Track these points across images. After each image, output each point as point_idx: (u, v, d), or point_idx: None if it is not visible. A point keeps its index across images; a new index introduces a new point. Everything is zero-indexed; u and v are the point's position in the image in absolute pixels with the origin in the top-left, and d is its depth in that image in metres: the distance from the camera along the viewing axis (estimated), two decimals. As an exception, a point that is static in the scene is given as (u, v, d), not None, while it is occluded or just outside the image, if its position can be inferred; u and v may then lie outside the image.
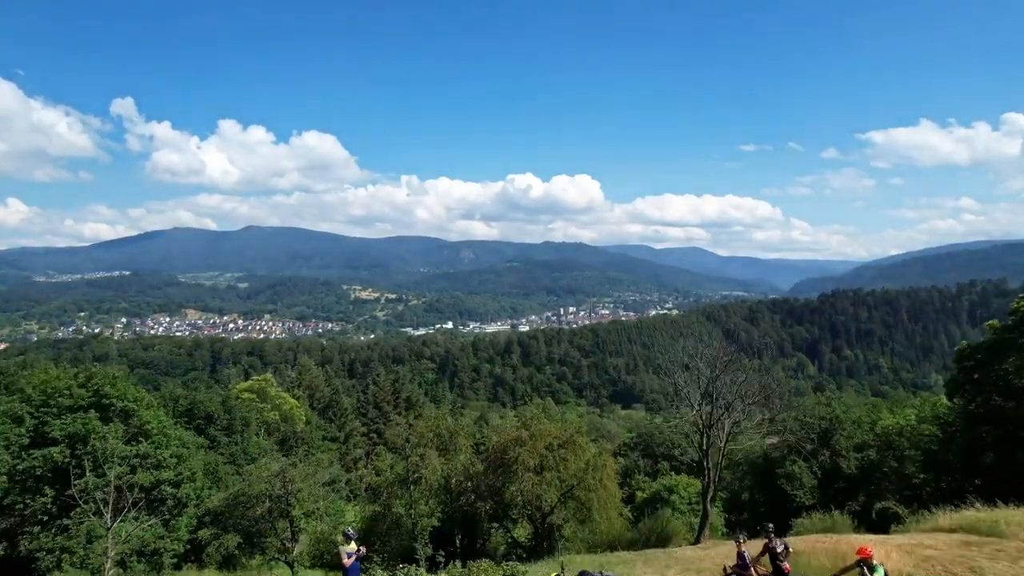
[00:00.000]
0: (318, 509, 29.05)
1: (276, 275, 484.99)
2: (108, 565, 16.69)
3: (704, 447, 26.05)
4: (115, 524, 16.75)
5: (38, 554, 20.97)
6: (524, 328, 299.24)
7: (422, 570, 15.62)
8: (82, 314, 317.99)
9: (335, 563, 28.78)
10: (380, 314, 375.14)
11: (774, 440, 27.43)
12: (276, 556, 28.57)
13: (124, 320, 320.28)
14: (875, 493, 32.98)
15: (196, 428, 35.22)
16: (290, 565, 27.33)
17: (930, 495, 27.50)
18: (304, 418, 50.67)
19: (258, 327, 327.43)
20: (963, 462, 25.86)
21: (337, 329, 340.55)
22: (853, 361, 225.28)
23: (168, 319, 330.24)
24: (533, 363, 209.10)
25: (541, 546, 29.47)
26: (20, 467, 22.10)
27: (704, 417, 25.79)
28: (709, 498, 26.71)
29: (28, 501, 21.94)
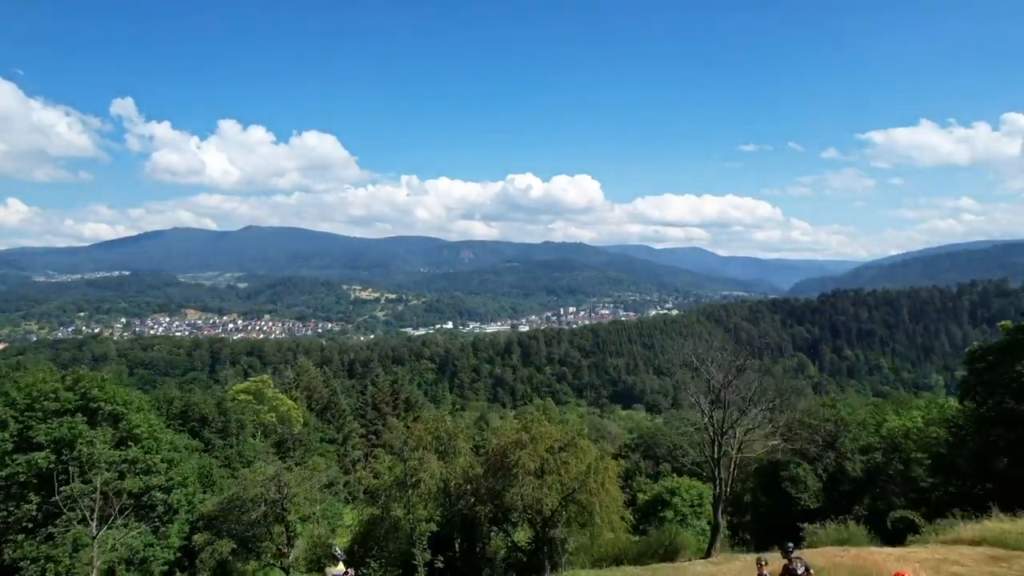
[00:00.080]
0: (314, 514, 28.57)
1: (276, 275, 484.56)
2: (94, 575, 16.07)
3: (716, 456, 24.97)
4: (101, 532, 16.13)
5: (22, 563, 20.27)
6: (524, 328, 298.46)
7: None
8: (82, 314, 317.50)
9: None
10: (380, 314, 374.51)
11: (776, 442, 26.38)
12: (271, 562, 28.04)
13: (124, 320, 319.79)
14: (881, 496, 32.45)
15: (190, 431, 34.57)
16: (286, 571, 26.78)
17: (939, 499, 26.93)
18: (301, 420, 50.04)
19: (258, 327, 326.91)
20: (974, 466, 25.22)
21: (337, 329, 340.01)
22: (854, 361, 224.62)
23: (168, 319, 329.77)
24: (533, 363, 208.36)
25: (541, 550, 28.92)
26: (3, 473, 21.42)
27: (716, 425, 24.67)
28: (720, 510, 25.67)
29: (12, 508, 21.21)
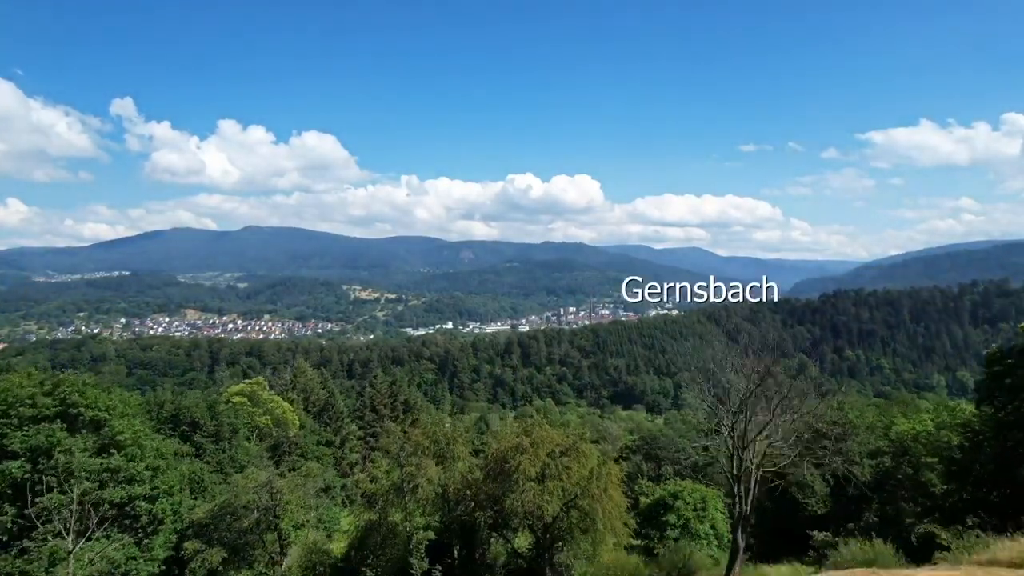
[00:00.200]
0: (308, 522, 27.78)
1: (276, 275, 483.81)
2: (70, 591, 15.26)
3: (736, 472, 23.05)
4: (77, 547, 15.29)
5: (-5, 579, 19.29)
6: (524, 328, 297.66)
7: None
8: (81, 314, 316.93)
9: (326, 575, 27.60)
10: (380, 314, 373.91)
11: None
12: (264, 571, 27.25)
13: (123, 320, 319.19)
14: (890, 501, 31.67)
15: (181, 435, 33.71)
16: (278, 581, 25.98)
17: (953, 505, 26.11)
18: (297, 422, 49.24)
19: (257, 327, 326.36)
20: (992, 473, 24.35)
21: (337, 329, 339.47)
22: (855, 362, 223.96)
23: (167, 319, 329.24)
24: (533, 364, 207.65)
25: (543, 557, 28.23)
26: (-26, 485, 20.28)
27: (737, 439, 22.71)
28: (741, 530, 23.62)
29: (-17, 522, 20.11)
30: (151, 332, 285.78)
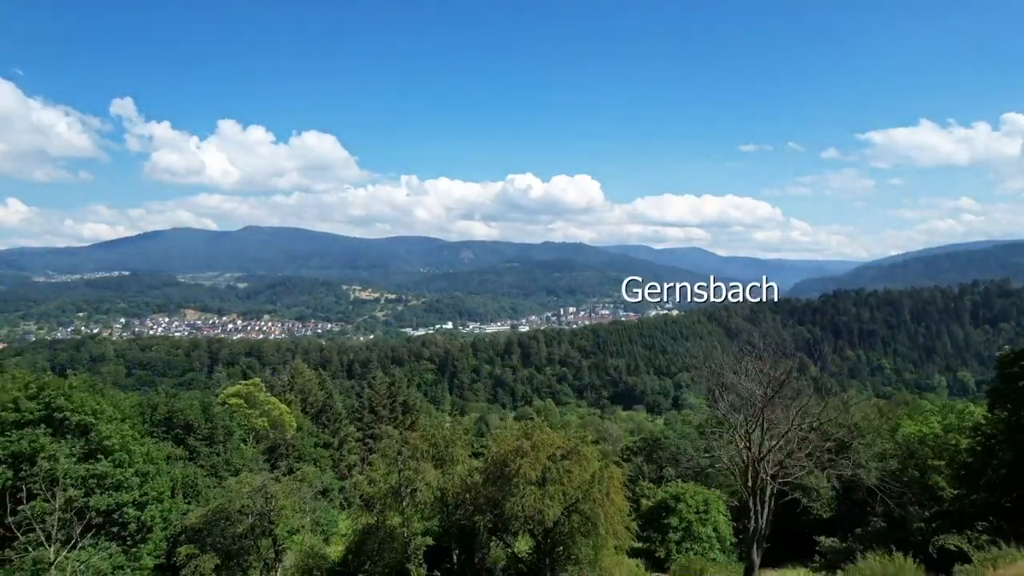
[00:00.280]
0: (303, 527, 27.26)
1: (275, 275, 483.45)
2: (53, 602, 14.68)
3: (752, 485, 21.93)
4: (60, 557, 14.71)
5: (-24, 590, 18.67)
6: (524, 328, 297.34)
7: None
8: (81, 314, 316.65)
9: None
10: (380, 314, 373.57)
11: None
12: (258, 578, 26.67)
13: (123, 320, 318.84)
14: (898, 505, 31.19)
15: (175, 438, 33.14)
16: (273, 587, 25.42)
17: (962, 509, 25.59)
18: (295, 424, 48.67)
19: (257, 327, 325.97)
20: (1005, 478, 23.78)
21: (336, 329, 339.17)
22: (855, 362, 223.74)
23: (167, 319, 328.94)
24: (533, 364, 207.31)
25: (543, 562, 27.73)
26: (-47, 493, 19.63)
27: (753, 450, 21.52)
28: (756, 547, 22.46)
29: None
30: (151, 332, 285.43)
